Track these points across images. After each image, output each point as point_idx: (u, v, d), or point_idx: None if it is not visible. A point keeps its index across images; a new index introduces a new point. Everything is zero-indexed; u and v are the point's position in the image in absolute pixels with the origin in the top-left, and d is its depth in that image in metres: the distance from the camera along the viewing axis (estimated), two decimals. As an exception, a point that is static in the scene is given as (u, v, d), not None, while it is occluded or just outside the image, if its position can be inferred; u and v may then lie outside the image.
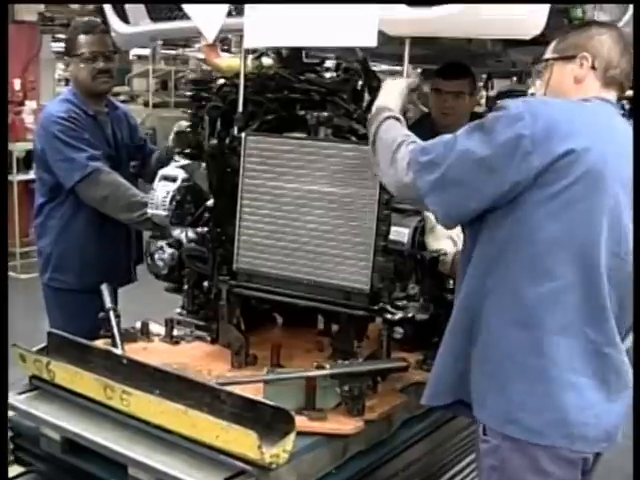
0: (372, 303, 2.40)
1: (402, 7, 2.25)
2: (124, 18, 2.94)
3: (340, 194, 2.39)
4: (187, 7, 2.43)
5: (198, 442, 2.07)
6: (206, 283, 2.72)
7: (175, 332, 2.81)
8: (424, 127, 3.58)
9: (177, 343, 2.80)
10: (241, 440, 1.97)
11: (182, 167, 2.75)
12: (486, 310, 2.02)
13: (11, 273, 8.07)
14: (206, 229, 2.66)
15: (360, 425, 2.27)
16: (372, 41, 2.22)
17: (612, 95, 2.12)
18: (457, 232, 2.40)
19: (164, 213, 2.69)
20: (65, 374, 2.35)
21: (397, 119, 2.20)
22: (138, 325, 2.86)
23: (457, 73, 3.47)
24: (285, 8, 2.32)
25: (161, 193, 2.69)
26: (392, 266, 2.38)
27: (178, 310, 2.90)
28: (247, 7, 2.36)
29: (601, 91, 2.10)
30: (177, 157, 2.85)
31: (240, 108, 2.54)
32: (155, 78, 13.26)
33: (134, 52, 13.13)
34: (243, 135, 2.49)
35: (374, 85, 2.58)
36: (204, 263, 2.65)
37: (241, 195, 2.51)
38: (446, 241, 2.49)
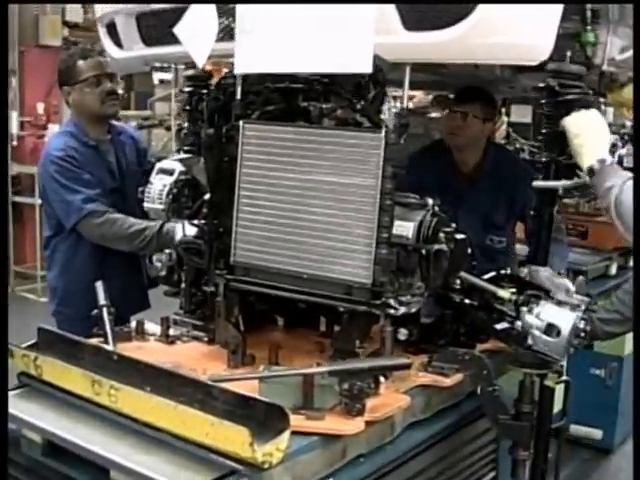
0: (374, 298, 2.30)
1: (402, 32, 2.16)
2: (118, 43, 2.87)
3: (341, 184, 2.30)
4: (178, 31, 2.37)
5: (187, 440, 1.96)
6: (204, 280, 2.62)
7: (171, 332, 2.72)
8: (438, 151, 3.55)
9: (173, 343, 2.70)
10: (232, 437, 1.87)
11: (180, 160, 2.68)
12: None
13: (31, 296, 8.06)
14: (203, 222, 2.56)
15: (360, 426, 2.14)
16: (367, 67, 2.12)
17: None
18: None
19: (160, 206, 2.61)
20: (53, 370, 2.26)
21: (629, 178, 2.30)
22: (133, 324, 2.76)
23: (468, 95, 3.44)
24: (277, 32, 2.24)
25: (157, 186, 2.62)
26: (395, 259, 2.28)
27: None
28: (238, 31, 2.28)
29: None
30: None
31: (239, 95, 2.46)
32: (178, 102, 13.26)
33: (157, 76, 13.21)
34: (241, 123, 2.41)
35: (379, 78, 2.50)
36: (201, 258, 2.56)
37: (239, 186, 2.42)
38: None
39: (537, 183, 2.50)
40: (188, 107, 2.73)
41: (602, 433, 4.29)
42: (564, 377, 2.69)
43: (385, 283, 2.29)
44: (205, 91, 2.73)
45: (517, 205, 3.40)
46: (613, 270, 4.67)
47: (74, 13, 9.83)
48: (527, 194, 2.78)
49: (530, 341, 2.39)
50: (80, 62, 3.22)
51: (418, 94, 8.22)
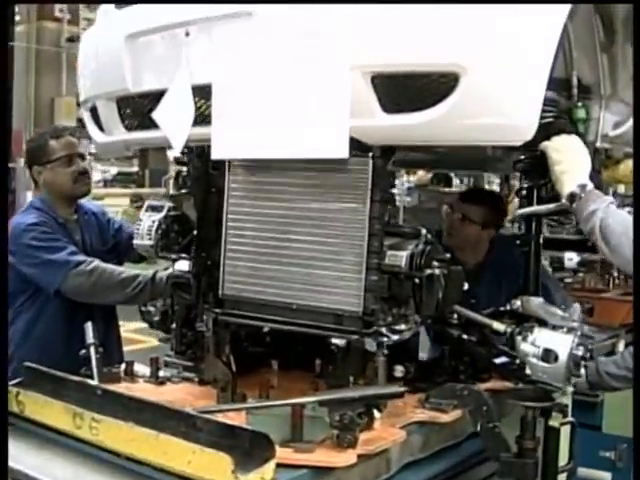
0: (366, 327, 2.23)
1: (381, 114, 2.11)
2: (101, 127, 2.86)
3: (329, 210, 2.27)
4: (156, 116, 2.38)
5: (169, 471, 1.89)
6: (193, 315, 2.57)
7: (162, 373, 2.65)
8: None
9: (162, 384, 2.63)
10: (214, 465, 1.80)
11: (170, 197, 2.67)
12: None
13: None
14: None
15: (352, 458, 2.04)
16: (343, 152, 2.08)
17: None
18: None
19: (149, 242, 2.58)
20: (34, 405, 2.21)
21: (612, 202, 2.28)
22: (123, 366, 2.69)
23: (470, 197, 3.34)
24: (253, 117, 2.20)
25: (147, 223, 2.59)
26: (386, 285, 2.22)
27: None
28: (214, 117, 2.26)
29: None
30: None
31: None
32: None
33: (172, 153, 13.39)
34: (228, 153, 2.39)
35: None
36: (190, 293, 2.51)
37: (226, 217, 2.39)
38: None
39: (520, 211, 2.45)
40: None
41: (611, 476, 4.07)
42: (569, 418, 2.58)
43: (376, 311, 2.23)
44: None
45: None
46: (621, 347, 4.47)
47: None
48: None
49: (528, 370, 2.30)
50: (52, 142, 3.20)
51: (419, 172, 8.27)
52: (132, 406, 2.13)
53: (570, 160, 2.29)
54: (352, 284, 2.23)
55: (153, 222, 2.59)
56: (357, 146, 2.18)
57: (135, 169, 13.11)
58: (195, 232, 2.57)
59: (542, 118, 2.24)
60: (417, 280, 2.27)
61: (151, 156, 12.84)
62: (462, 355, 2.60)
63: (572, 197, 2.27)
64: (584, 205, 2.26)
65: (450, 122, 2.05)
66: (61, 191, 3.21)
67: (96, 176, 12.07)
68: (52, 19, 11.17)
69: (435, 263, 2.30)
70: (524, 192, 2.50)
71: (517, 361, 2.42)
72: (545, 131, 2.26)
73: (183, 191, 2.74)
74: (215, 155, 2.29)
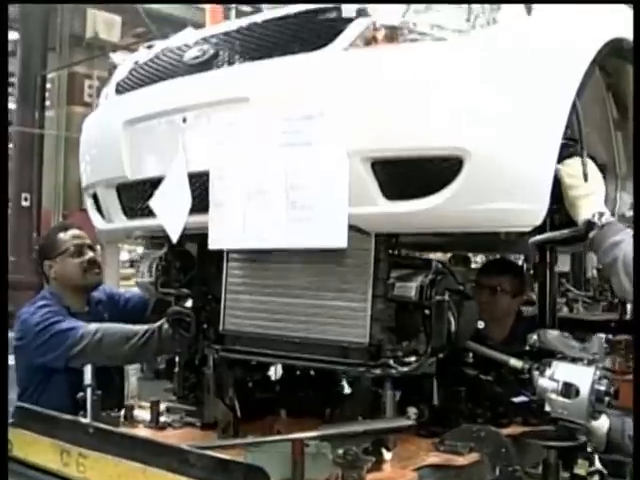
0: (372, 358, 2.11)
1: (383, 201, 2.01)
2: (102, 213, 2.81)
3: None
4: (153, 204, 2.35)
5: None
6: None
7: (163, 419, 2.53)
8: None
9: (163, 429, 2.50)
10: (205, 498, 1.67)
11: (173, 233, 2.59)
12: None
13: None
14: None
15: (358, 498, 1.90)
16: (342, 242, 2.00)
17: None
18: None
19: (149, 279, 2.49)
20: (23, 443, 2.11)
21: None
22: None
23: (496, 268, 3.26)
24: (250, 206, 2.13)
25: (147, 260, 2.52)
26: (394, 314, 2.11)
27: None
28: (211, 206, 2.20)
29: None
30: None
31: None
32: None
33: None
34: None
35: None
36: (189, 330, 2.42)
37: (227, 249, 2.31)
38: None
39: (534, 238, 2.32)
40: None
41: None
42: (597, 466, 2.40)
43: (383, 342, 2.11)
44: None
45: None
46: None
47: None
48: None
49: (547, 407, 2.14)
50: (60, 234, 3.20)
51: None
52: (124, 443, 2.03)
53: (585, 185, 2.16)
54: (358, 313, 2.12)
55: (153, 259, 2.53)
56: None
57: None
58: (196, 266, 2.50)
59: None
60: (427, 311, 2.15)
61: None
62: (479, 397, 2.45)
63: (590, 225, 2.14)
64: (606, 235, 2.11)
65: (455, 208, 1.95)
66: (71, 282, 3.16)
67: (123, 256, 12.05)
68: (81, 104, 11.45)
69: (446, 292, 2.19)
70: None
71: (536, 399, 2.26)
72: (558, 153, 2.16)
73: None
74: (212, 245, 2.21)
